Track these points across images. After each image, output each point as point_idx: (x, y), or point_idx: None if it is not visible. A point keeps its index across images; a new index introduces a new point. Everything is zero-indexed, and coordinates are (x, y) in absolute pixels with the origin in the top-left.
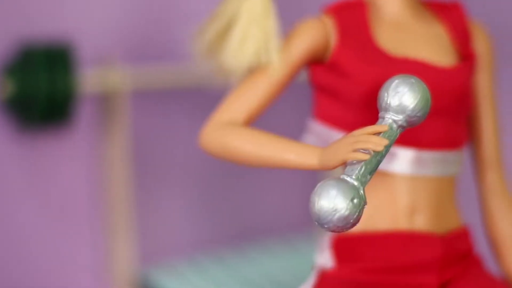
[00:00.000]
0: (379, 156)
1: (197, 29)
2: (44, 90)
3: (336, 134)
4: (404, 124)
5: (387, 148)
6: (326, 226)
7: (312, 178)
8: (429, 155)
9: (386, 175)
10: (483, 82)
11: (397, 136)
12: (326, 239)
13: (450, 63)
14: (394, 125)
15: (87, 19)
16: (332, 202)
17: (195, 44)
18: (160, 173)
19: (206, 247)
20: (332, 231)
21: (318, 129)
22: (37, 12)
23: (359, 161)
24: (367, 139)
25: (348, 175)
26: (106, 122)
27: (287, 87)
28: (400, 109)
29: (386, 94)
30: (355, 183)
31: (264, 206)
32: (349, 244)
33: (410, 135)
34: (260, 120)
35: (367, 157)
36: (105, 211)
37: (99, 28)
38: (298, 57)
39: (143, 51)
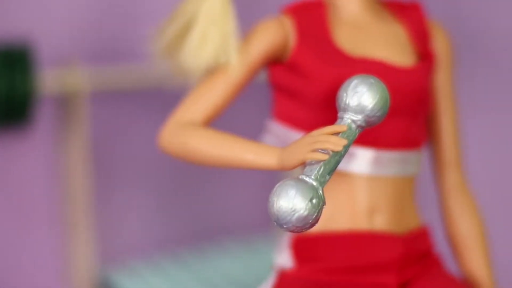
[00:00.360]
0: (338, 156)
1: (156, 30)
2: (2, 91)
3: (295, 135)
4: (363, 124)
5: (346, 148)
6: (285, 226)
7: (271, 178)
8: (388, 155)
9: (345, 175)
10: (442, 82)
11: (356, 136)
12: (285, 239)
13: (409, 63)
14: (353, 125)
15: (46, 19)
16: (291, 202)
17: (154, 45)
18: (119, 174)
19: (166, 247)
20: (291, 231)
21: (277, 130)
22: None
23: (318, 161)
24: (326, 139)
25: (307, 175)
26: (66, 123)
27: (246, 87)
28: (359, 109)
29: (345, 94)
30: (314, 183)
31: (223, 206)
32: (309, 244)
33: (369, 135)
34: (220, 120)
35: (326, 157)
36: (64, 212)
37: (58, 29)
38: (257, 57)
39: (102, 52)
